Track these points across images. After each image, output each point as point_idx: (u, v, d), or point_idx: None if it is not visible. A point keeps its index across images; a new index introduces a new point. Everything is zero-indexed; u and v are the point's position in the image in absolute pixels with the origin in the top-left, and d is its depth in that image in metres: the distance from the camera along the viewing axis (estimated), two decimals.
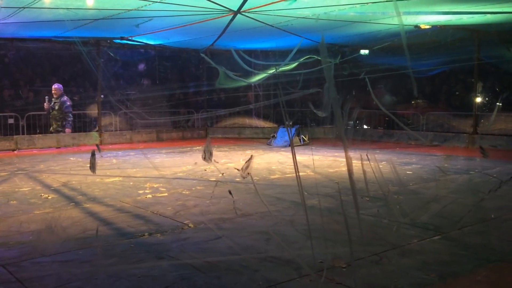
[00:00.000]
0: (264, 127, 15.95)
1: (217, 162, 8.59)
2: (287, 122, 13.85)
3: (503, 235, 4.64)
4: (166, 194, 6.57)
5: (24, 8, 8.27)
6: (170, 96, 16.60)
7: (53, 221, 5.15)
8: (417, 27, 10.83)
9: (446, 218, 5.16)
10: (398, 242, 4.31)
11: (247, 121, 16.59)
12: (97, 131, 13.77)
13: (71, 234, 4.65)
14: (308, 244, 3.94)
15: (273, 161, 9.91)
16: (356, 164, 4.56)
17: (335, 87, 3.37)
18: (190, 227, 4.89)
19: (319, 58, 12.07)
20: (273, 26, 10.61)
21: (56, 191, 6.82)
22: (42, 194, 6.53)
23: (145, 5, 8.34)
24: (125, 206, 5.84)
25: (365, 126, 15.34)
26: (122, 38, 12.81)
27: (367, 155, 5.94)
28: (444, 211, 5.45)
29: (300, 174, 3.73)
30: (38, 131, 13.06)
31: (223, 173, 8.02)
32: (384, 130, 14.58)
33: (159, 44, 14.12)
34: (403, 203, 5.81)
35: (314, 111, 13.01)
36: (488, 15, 9.78)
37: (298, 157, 4.39)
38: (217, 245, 4.33)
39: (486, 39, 12.21)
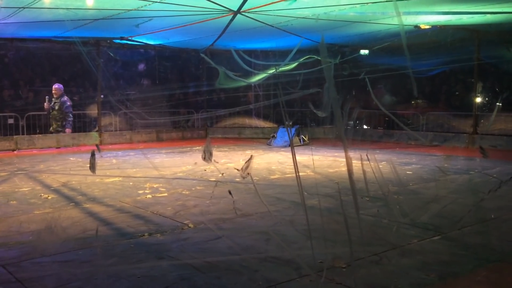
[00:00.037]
0: (264, 127, 15.94)
1: (217, 162, 8.59)
2: (287, 122, 13.85)
3: (503, 235, 4.64)
4: (166, 194, 6.57)
5: (24, 8, 8.27)
6: (170, 96, 16.59)
7: (53, 221, 5.15)
8: (417, 27, 10.82)
9: (446, 218, 5.17)
10: (398, 242, 4.31)
11: (247, 121, 16.58)
12: (97, 131, 13.77)
13: (71, 234, 4.65)
14: (308, 244, 3.94)
15: (273, 161, 9.91)
16: (356, 164, 4.55)
17: (335, 87, 3.37)
18: (190, 227, 4.89)
19: (319, 58, 12.07)
20: (273, 26, 10.61)
21: (56, 191, 6.82)
22: (42, 194, 6.53)
23: (145, 5, 8.35)
24: (125, 206, 5.84)
25: (365, 126, 15.34)
26: (122, 38, 12.81)
27: (367, 155, 5.93)
28: (444, 211, 5.45)
29: (300, 174, 3.73)
30: (38, 131, 13.06)
31: (223, 173, 8.02)
32: (384, 130, 14.57)
33: (159, 44, 14.12)
34: (403, 203, 5.81)
35: (314, 111, 12.99)
36: (488, 15, 9.78)
37: (298, 157, 4.39)
38: (217, 245, 4.33)
39: (486, 39, 12.22)
